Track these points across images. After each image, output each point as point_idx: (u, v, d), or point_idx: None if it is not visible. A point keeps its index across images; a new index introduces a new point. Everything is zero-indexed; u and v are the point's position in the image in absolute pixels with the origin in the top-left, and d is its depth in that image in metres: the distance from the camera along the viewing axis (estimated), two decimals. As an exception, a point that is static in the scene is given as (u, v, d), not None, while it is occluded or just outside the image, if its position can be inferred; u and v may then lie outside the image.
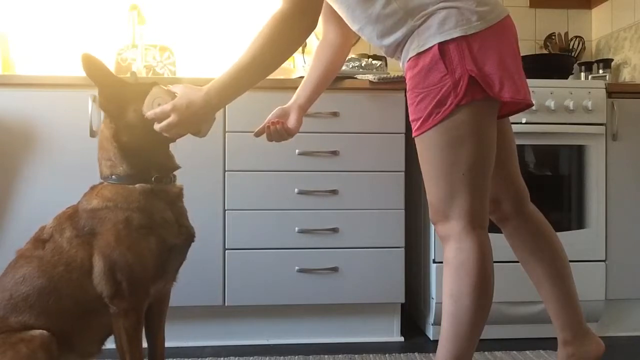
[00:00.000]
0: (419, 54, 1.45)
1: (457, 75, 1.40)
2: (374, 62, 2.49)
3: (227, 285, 2.30)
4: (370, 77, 2.32)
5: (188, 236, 1.51)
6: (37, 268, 1.41)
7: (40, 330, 1.36)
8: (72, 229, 1.43)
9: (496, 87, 1.42)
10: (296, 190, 2.32)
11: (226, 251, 2.30)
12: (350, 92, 2.35)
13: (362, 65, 2.46)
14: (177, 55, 2.87)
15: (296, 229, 2.32)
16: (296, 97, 1.80)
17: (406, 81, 1.52)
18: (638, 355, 2.29)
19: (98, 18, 2.91)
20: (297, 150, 2.31)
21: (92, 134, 2.26)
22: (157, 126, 1.43)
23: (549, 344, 2.33)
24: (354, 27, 1.61)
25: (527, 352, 2.24)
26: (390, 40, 1.52)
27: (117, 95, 1.44)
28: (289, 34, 1.46)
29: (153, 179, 1.46)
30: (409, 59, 1.48)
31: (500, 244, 2.38)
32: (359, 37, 1.81)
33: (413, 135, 1.53)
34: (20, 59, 2.82)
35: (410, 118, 1.53)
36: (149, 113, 1.42)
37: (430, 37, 1.43)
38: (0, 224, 2.25)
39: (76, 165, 2.26)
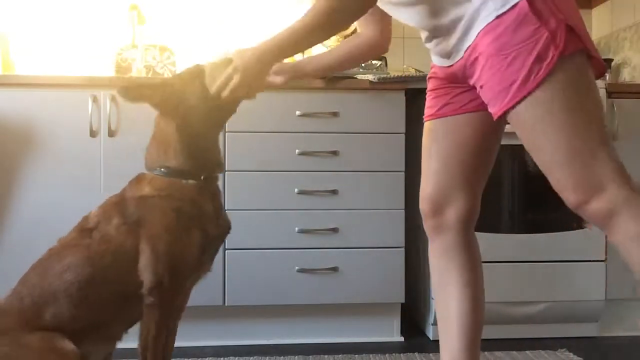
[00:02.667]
0: (500, 16, 1.26)
1: (552, 25, 1.23)
2: (374, 62, 2.50)
3: (227, 285, 2.30)
4: (370, 77, 2.32)
5: (226, 227, 1.55)
6: (84, 257, 1.41)
7: (73, 347, 1.35)
8: (120, 217, 1.44)
9: (587, 41, 1.26)
10: (296, 190, 2.32)
11: (226, 251, 2.30)
12: (350, 92, 2.35)
13: (362, 65, 2.46)
14: (177, 55, 2.86)
15: (296, 229, 2.32)
16: (301, 60, 1.79)
17: (482, 52, 1.29)
18: (638, 355, 2.30)
19: (98, 18, 2.91)
20: (297, 150, 2.31)
21: (92, 133, 2.26)
22: (225, 92, 1.45)
23: (549, 344, 2.33)
24: (399, 12, 1.46)
25: (527, 352, 2.24)
26: (448, 16, 1.34)
27: (167, 93, 1.48)
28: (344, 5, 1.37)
29: (202, 177, 1.49)
30: (486, 26, 1.28)
31: (498, 244, 2.39)
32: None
33: (509, 104, 1.25)
34: (20, 59, 2.81)
35: (496, 88, 1.28)
36: (214, 88, 1.45)
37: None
38: (0, 224, 2.25)
39: (76, 165, 2.26)
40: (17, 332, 1.34)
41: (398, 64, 2.93)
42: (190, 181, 1.48)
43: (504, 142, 2.46)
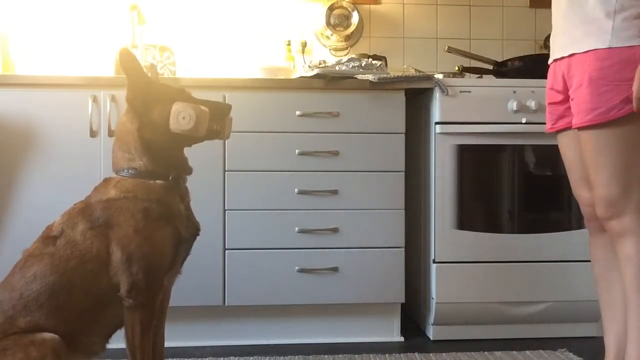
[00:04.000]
0: (614, 48, 1.54)
1: None
2: (374, 62, 2.49)
3: (227, 285, 2.30)
4: (370, 77, 2.32)
5: (195, 229, 1.56)
6: (49, 265, 1.41)
7: (51, 334, 1.36)
8: (86, 222, 1.45)
9: None
10: (296, 190, 2.31)
11: (226, 251, 2.30)
12: (350, 92, 2.35)
13: (362, 65, 2.45)
14: (177, 55, 2.86)
15: (296, 229, 2.32)
16: None
17: (585, 71, 1.59)
18: (638, 355, 2.30)
19: (98, 18, 2.91)
20: (297, 150, 2.31)
21: (92, 134, 2.26)
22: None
23: (549, 344, 2.33)
24: None
25: (527, 352, 2.24)
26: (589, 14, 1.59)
27: (145, 93, 1.48)
28: None
29: (170, 177, 1.50)
30: (599, 50, 1.56)
31: (498, 244, 2.39)
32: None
33: (587, 123, 1.58)
34: (20, 59, 2.81)
35: (584, 106, 1.59)
36: (173, 127, 1.45)
37: (634, 36, 1.53)
38: (0, 224, 2.25)
39: (76, 165, 2.26)
40: None
41: (398, 64, 2.93)
42: (158, 181, 1.48)
43: (504, 142, 2.47)
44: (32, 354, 1.31)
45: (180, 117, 1.45)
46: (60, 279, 1.40)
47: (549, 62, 1.80)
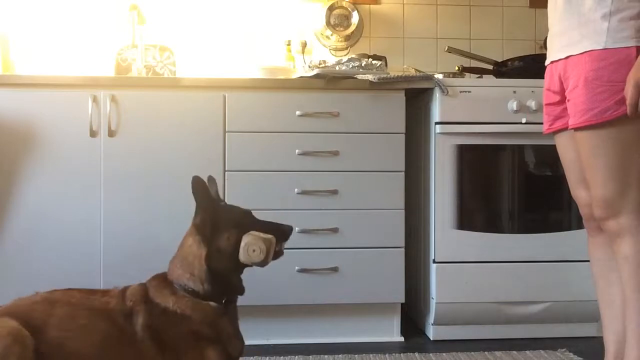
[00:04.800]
0: (609, 49, 1.55)
1: None
2: (374, 62, 2.49)
3: (227, 285, 2.30)
4: (370, 77, 2.32)
5: (241, 347, 1.62)
6: (109, 331, 1.47)
7: (14, 322, 1.38)
8: (146, 315, 1.50)
9: None
10: (296, 190, 2.31)
11: (226, 251, 2.30)
12: (350, 92, 2.35)
13: (362, 65, 2.45)
14: (177, 55, 2.86)
15: (296, 229, 2.31)
16: None
17: (581, 73, 1.60)
18: (638, 355, 2.30)
19: (98, 18, 2.91)
20: (297, 150, 2.31)
21: (92, 134, 2.26)
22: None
23: (549, 344, 2.33)
24: None
25: (527, 352, 2.24)
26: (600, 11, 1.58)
27: (214, 220, 1.54)
28: None
29: (223, 301, 1.57)
30: (594, 51, 1.57)
31: (498, 244, 2.39)
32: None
33: (582, 124, 1.59)
34: (20, 59, 2.81)
35: (579, 106, 1.60)
36: (243, 259, 1.53)
37: (629, 37, 1.53)
38: (0, 224, 2.25)
39: (76, 165, 2.26)
40: None
41: (398, 64, 2.93)
42: (212, 303, 1.54)
43: (504, 142, 2.47)
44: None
45: (250, 250, 1.52)
46: (107, 351, 1.46)
47: (546, 63, 1.81)
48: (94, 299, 1.52)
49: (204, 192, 1.55)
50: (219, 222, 1.55)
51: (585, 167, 1.64)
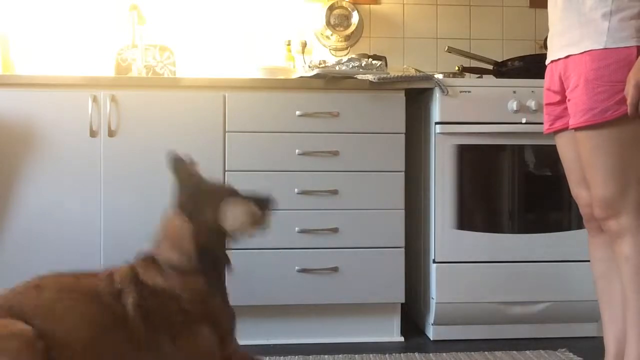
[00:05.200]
0: (610, 49, 1.55)
1: None
2: (374, 62, 2.49)
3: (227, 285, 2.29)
4: (370, 77, 2.32)
5: (234, 321, 1.64)
6: (98, 313, 1.45)
7: (28, 327, 1.35)
8: (136, 296, 1.49)
9: None
10: (296, 190, 2.31)
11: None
12: (350, 92, 2.35)
13: (362, 65, 2.45)
14: (177, 55, 2.86)
15: (296, 229, 2.32)
16: None
17: (582, 73, 1.59)
18: (638, 355, 2.29)
19: (98, 18, 2.91)
20: (297, 150, 2.31)
21: (92, 134, 2.26)
22: None
23: (549, 344, 2.33)
24: None
25: (527, 352, 2.24)
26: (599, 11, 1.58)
27: (196, 196, 1.55)
28: None
29: (212, 271, 1.57)
30: (594, 51, 1.57)
31: (498, 244, 2.39)
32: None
33: (582, 124, 1.59)
34: (20, 59, 2.81)
35: (580, 106, 1.60)
36: (228, 228, 1.55)
37: (629, 37, 1.53)
38: (1, 224, 2.25)
39: (76, 165, 2.26)
40: None
41: (398, 64, 2.93)
42: (202, 278, 1.54)
43: (504, 142, 2.47)
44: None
45: (232, 217, 1.54)
46: (97, 334, 1.43)
47: (546, 62, 1.81)
48: (83, 282, 1.51)
49: (183, 168, 1.55)
50: (202, 197, 1.55)
51: (586, 167, 1.64)
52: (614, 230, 1.60)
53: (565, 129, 1.74)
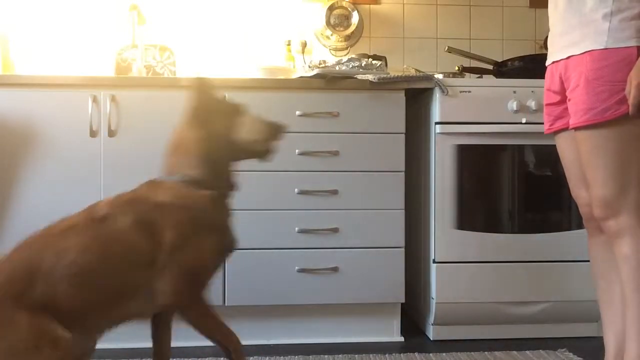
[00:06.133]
0: (610, 49, 1.55)
1: None
2: (374, 62, 2.49)
3: (227, 285, 2.30)
4: (370, 77, 2.32)
5: (233, 244, 1.61)
6: (91, 242, 1.41)
7: (65, 333, 1.33)
8: (135, 215, 1.45)
9: None
10: (296, 190, 2.31)
11: (226, 251, 2.30)
12: (350, 92, 2.35)
13: (362, 65, 2.45)
14: (177, 55, 2.86)
15: (296, 229, 2.32)
16: None
17: (582, 72, 1.60)
18: (638, 355, 2.29)
19: (98, 18, 2.91)
20: (297, 150, 2.31)
21: (92, 134, 2.26)
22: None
23: (549, 344, 2.33)
24: None
25: (527, 352, 2.24)
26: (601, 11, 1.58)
27: (210, 105, 1.56)
28: None
29: (219, 190, 1.55)
30: (595, 51, 1.57)
31: (498, 244, 2.39)
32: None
33: (583, 123, 1.60)
34: (20, 59, 2.81)
35: (580, 106, 1.60)
36: (236, 139, 1.56)
37: (630, 37, 1.54)
38: (0, 224, 2.25)
39: (76, 165, 2.26)
40: (7, 305, 1.32)
41: (398, 64, 2.93)
42: (208, 192, 1.52)
43: (504, 142, 2.47)
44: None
45: (244, 130, 1.55)
46: (98, 259, 1.40)
47: (547, 63, 1.81)
48: (80, 215, 1.49)
49: (201, 79, 1.57)
50: (216, 109, 1.56)
51: (586, 166, 1.64)
52: (613, 230, 1.60)
53: (565, 129, 1.74)
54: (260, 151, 1.59)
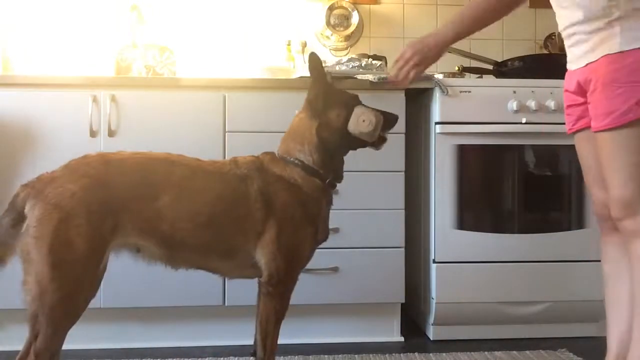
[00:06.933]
0: (625, 51, 1.54)
1: None
2: (374, 62, 2.49)
3: (227, 285, 2.30)
4: (370, 77, 2.32)
5: (326, 236, 1.66)
6: (223, 190, 1.52)
7: None
8: (260, 182, 1.54)
9: None
10: (296, 190, 2.31)
11: (226, 251, 2.30)
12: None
13: (362, 65, 2.45)
14: (177, 55, 2.86)
15: (296, 229, 2.31)
16: (440, 32, 1.87)
17: (600, 77, 1.59)
18: (638, 355, 2.29)
19: (98, 18, 2.91)
20: (297, 150, 2.31)
21: (92, 134, 2.26)
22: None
23: (549, 344, 2.33)
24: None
25: (527, 352, 2.24)
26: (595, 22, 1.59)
27: (326, 95, 1.60)
28: None
29: (327, 180, 1.61)
30: (611, 55, 1.57)
31: (498, 244, 2.39)
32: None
33: (604, 127, 1.58)
34: (20, 58, 2.81)
35: (600, 110, 1.59)
36: (351, 129, 1.60)
37: None
38: (0, 224, 2.25)
39: (76, 165, 2.26)
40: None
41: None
42: (317, 180, 1.59)
43: (504, 142, 2.47)
44: None
45: (360, 120, 1.60)
46: (224, 211, 1.50)
47: (567, 67, 1.80)
48: (207, 163, 1.58)
49: (319, 68, 1.60)
50: (331, 99, 1.61)
51: (605, 167, 1.63)
52: (629, 229, 1.60)
53: (585, 128, 1.73)
54: (374, 141, 1.65)
